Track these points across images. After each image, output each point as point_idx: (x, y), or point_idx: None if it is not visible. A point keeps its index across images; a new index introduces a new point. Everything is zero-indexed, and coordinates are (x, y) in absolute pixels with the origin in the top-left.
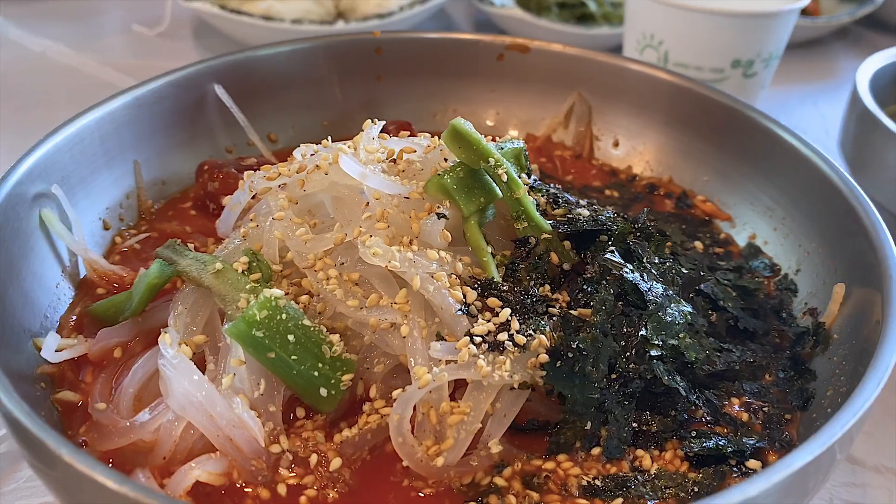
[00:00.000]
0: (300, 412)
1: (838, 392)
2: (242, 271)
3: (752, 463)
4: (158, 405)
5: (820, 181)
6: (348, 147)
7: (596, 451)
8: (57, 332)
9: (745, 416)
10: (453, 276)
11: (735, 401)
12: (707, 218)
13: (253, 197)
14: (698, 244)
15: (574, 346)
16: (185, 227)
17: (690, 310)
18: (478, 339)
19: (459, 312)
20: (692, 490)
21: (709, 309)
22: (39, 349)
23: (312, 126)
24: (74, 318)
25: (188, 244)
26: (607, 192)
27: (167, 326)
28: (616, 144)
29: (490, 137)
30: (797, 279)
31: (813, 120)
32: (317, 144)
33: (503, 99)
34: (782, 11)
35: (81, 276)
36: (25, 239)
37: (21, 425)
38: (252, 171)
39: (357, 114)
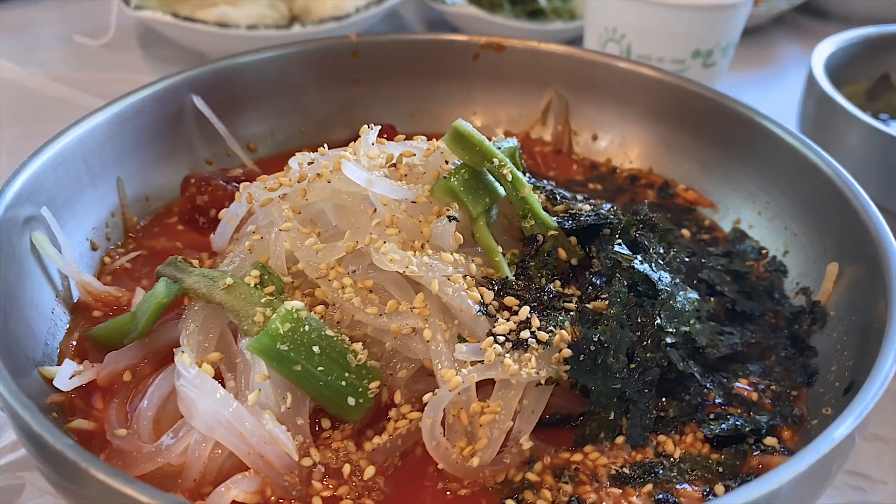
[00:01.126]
0: (325, 423)
1: (844, 366)
2: (255, 285)
3: (769, 440)
4: (181, 427)
5: (802, 164)
6: (349, 153)
7: (620, 439)
8: (58, 359)
9: (754, 396)
10: (468, 278)
11: (743, 381)
12: (690, 206)
13: None
14: (685, 232)
15: (595, 340)
16: (176, 243)
17: (697, 296)
18: (501, 339)
19: (479, 313)
20: (717, 470)
21: (707, 294)
22: (46, 378)
23: (291, 133)
24: (74, 343)
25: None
26: (590, 185)
27: (177, 346)
28: (595, 138)
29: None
30: (786, 260)
31: (763, 105)
32: (301, 152)
33: (481, 98)
34: (739, 2)
35: (75, 300)
36: (20, 265)
37: (68, 459)
38: (248, 183)
39: (335, 119)
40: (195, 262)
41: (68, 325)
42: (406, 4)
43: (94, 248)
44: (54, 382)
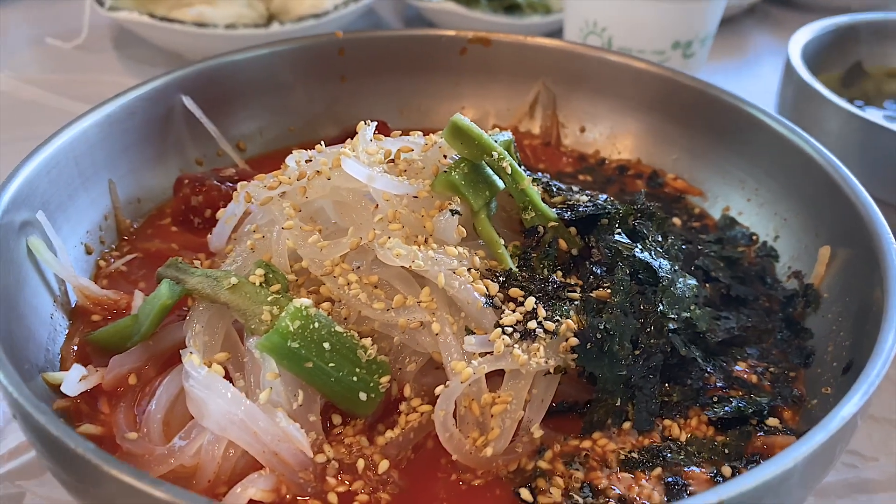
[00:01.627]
0: (336, 419)
1: (840, 346)
2: (260, 283)
3: (771, 421)
4: (192, 428)
5: (790, 150)
6: (348, 150)
7: (626, 425)
8: (60, 364)
9: (754, 378)
10: (473, 271)
11: (742, 364)
12: (679, 195)
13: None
14: (676, 220)
15: (601, 328)
16: (171, 245)
17: (696, 282)
18: (508, 330)
19: (486, 305)
20: (723, 452)
21: (702, 280)
22: (50, 384)
23: (280, 132)
24: (75, 348)
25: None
26: (580, 176)
27: (182, 348)
28: (582, 130)
29: None
30: (777, 245)
31: (739, 94)
32: (291, 150)
33: (469, 92)
34: None
35: (73, 305)
36: (18, 270)
37: (91, 462)
38: (244, 182)
39: (324, 116)
40: (196, 262)
41: (67, 330)
42: (383, 2)
43: (88, 252)
44: (62, 388)
